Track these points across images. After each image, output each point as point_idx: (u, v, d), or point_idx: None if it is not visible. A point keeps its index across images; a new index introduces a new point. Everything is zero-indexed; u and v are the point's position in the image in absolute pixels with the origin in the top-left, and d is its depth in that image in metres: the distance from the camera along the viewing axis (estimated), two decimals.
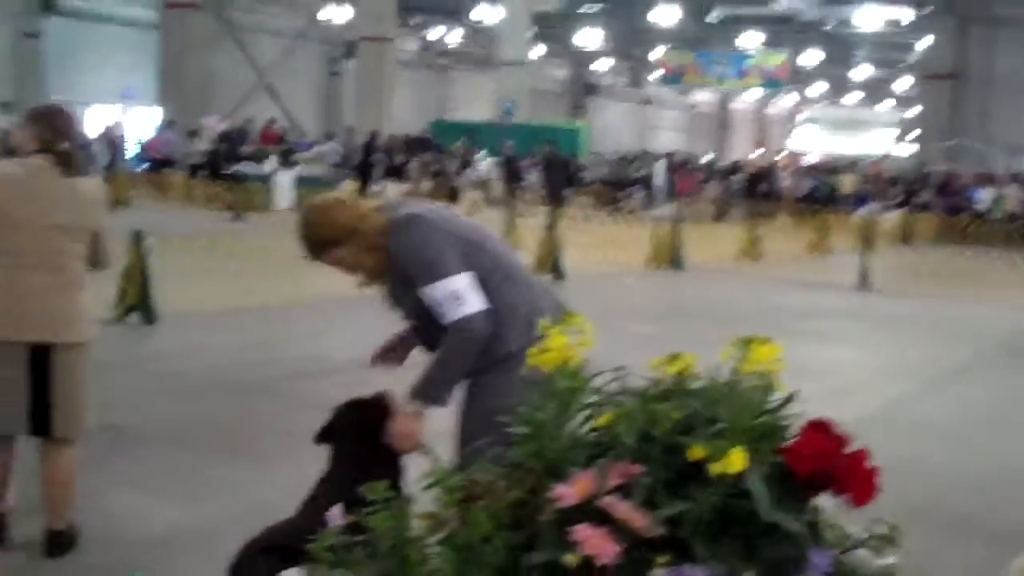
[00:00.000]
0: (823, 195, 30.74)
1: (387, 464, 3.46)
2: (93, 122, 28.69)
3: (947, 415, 8.51)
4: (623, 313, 11.97)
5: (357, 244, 3.74)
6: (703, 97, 61.86)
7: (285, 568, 2.98)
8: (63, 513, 4.82)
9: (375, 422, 3.62)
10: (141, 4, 34.80)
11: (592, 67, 53.84)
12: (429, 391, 3.63)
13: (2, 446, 4.80)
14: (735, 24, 46.19)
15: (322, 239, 3.76)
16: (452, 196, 27.29)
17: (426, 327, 3.78)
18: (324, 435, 3.70)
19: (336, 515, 2.28)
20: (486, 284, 3.71)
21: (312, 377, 8.27)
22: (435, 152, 30.98)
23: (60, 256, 4.61)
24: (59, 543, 4.80)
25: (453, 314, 3.61)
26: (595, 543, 1.85)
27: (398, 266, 3.73)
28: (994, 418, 8.34)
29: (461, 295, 3.62)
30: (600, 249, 18.57)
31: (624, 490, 1.97)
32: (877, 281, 16.33)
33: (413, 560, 2.10)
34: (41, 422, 4.67)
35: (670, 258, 17.71)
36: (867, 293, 15.96)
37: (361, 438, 3.60)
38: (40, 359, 4.61)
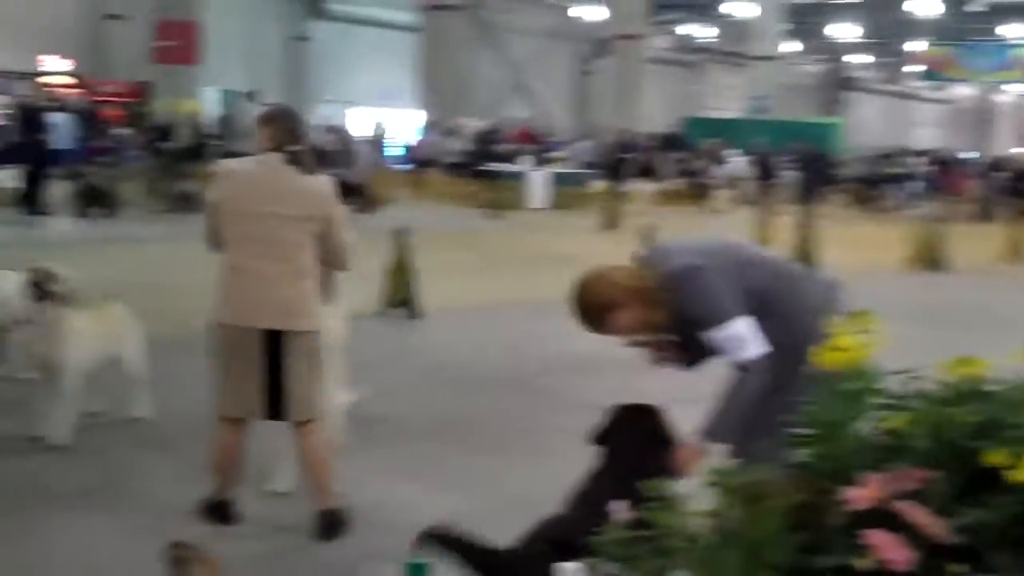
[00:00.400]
0: None
1: (661, 471, 3.51)
2: (355, 122, 29.86)
3: None
4: (883, 315, 11.62)
5: (641, 302, 3.80)
6: (963, 91, 59.35)
7: (560, 560, 3.05)
8: (323, 494, 5.04)
9: (653, 429, 3.71)
10: (401, 7, 35.95)
11: (847, 60, 52.40)
12: (717, 430, 3.73)
13: (238, 428, 5.04)
14: (997, 14, 44.06)
15: (604, 303, 3.82)
16: (702, 195, 27.09)
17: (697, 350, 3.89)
18: (602, 436, 3.78)
19: (620, 510, 2.32)
20: (769, 292, 3.75)
21: (569, 374, 8.38)
22: (686, 150, 30.82)
23: (288, 246, 4.81)
24: (326, 524, 5.01)
25: (738, 356, 3.69)
26: (889, 548, 1.83)
27: (683, 316, 3.80)
28: None
29: (744, 338, 3.68)
30: (856, 248, 18.05)
31: (916, 496, 1.93)
32: None
33: (696, 557, 2.12)
34: (275, 407, 4.91)
35: (931, 258, 17.07)
36: None
37: (639, 442, 3.68)
38: (274, 346, 4.84)
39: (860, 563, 1.86)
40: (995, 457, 1.91)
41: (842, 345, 2.17)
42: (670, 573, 2.12)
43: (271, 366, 4.86)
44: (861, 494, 1.93)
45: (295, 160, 4.85)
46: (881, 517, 1.91)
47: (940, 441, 2.01)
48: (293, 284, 4.83)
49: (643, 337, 3.94)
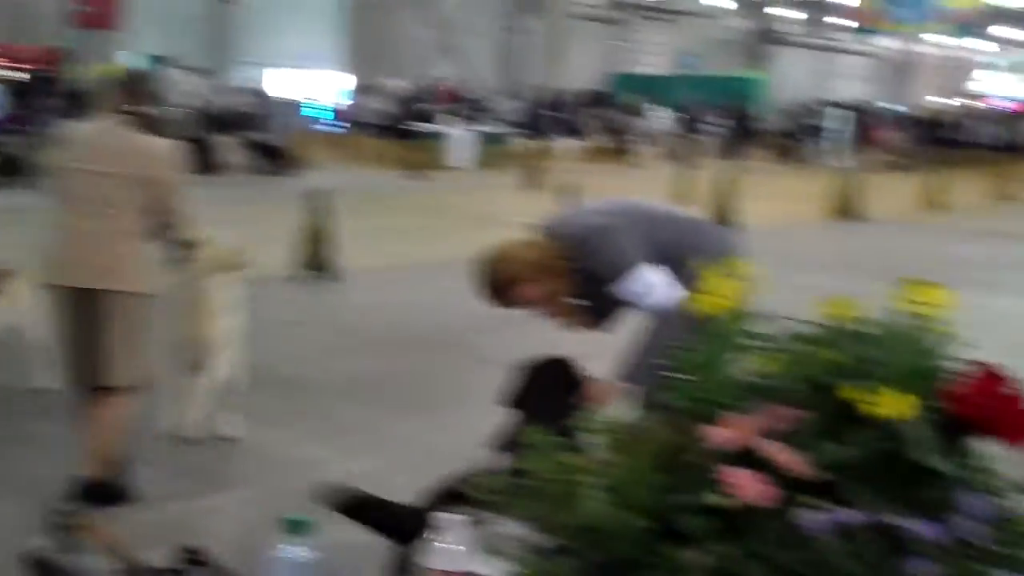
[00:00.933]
0: (1008, 142, 29.55)
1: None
2: (275, 84, 29.55)
3: None
4: (797, 265, 11.75)
5: (546, 273, 3.82)
6: (886, 44, 59.86)
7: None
8: (100, 463, 4.76)
9: (566, 378, 3.74)
10: None
11: (772, 14, 52.62)
12: (629, 372, 3.77)
13: (88, 399, 4.80)
14: None
15: (509, 278, 3.83)
16: (626, 152, 27.17)
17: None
18: (517, 397, 3.80)
19: (500, 460, 2.34)
20: (674, 245, 3.81)
21: (493, 332, 8.38)
22: (613, 107, 30.87)
23: (112, 205, 4.62)
24: (93, 493, 4.66)
25: (650, 302, 3.75)
26: (748, 486, 1.86)
27: (591, 276, 3.82)
28: None
29: (653, 283, 3.73)
30: (778, 201, 18.24)
31: (780, 434, 1.96)
32: None
33: (570, 501, 2.14)
34: (90, 371, 4.69)
35: (849, 209, 17.30)
36: None
37: (554, 394, 3.71)
38: (88, 306, 4.63)
39: (720, 501, 1.89)
40: (855, 394, 1.94)
41: (713, 289, 2.19)
42: (542, 517, 2.14)
43: (86, 329, 4.65)
44: (725, 433, 1.96)
45: (139, 122, 4.72)
46: (746, 456, 1.94)
47: (806, 381, 2.05)
48: (113, 243, 4.62)
49: (551, 307, 3.99)
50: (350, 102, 29.51)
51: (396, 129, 24.87)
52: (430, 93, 29.34)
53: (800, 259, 12.56)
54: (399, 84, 28.94)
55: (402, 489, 3.70)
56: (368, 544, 3.67)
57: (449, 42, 37.14)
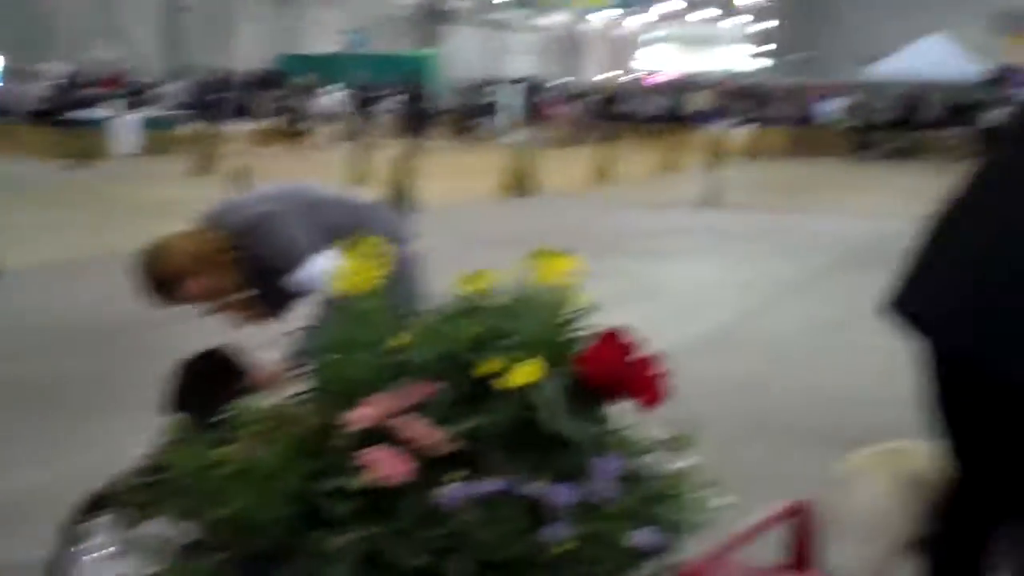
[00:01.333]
0: (673, 113, 31.15)
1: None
2: None
3: (790, 329, 8.66)
4: (473, 242, 11.98)
5: (211, 267, 3.67)
6: (555, 19, 61.83)
7: None
8: None
9: (222, 373, 3.61)
10: None
11: None
12: (298, 359, 3.63)
13: None
14: None
15: (172, 275, 3.66)
16: (300, 133, 26.90)
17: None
18: (174, 397, 3.64)
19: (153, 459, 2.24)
20: (343, 228, 3.73)
21: (168, 324, 8.09)
22: (284, 88, 30.47)
23: None
24: None
25: (320, 288, 3.63)
26: (385, 464, 1.84)
27: (262, 267, 3.70)
28: (836, 329, 8.50)
29: (328, 271, 3.64)
30: (454, 179, 18.52)
31: (418, 409, 1.96)
32: (726, 197, 16.62)
33: (217, 495, 2.07)
34: None
35: (523, 184, 17.76)
36: (716, 210, 16.24)
37: (205, 391, 3.57)
38: None
39: (360, 482, 1.87)
40: (490, 365, 1.96)
41: (352, 269, 2.17)
42: (190, 513, 2.07)
43: None
44: (364, 414, 1.94)
45: None
46: (384, 434, 1.93)
47: (442, 355, 2.05)
48: None
49: (220, 302, 3.84)
50: (0, 87, 27.83)
51: (53, 116, 23.65)
52: (91, 77, 28.06)
53: (475, 236, 12.80)
54: (56, 67, 27.51)
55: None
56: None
57: (110, 23, 35.64)
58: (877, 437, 3.59)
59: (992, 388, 2.89)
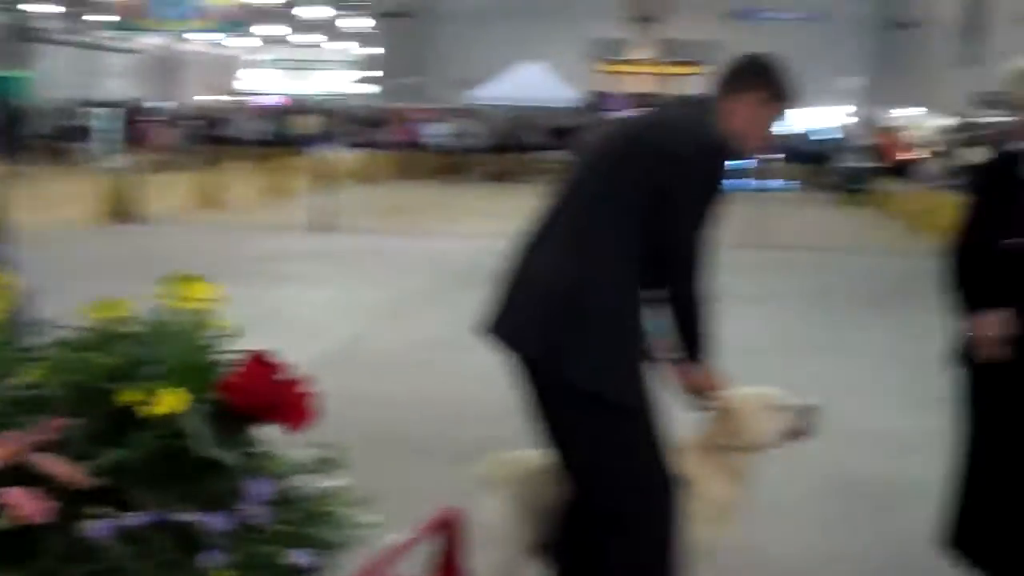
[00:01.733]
0: (279, 137, 31.04)
1: None
2: None
3: (406, 345, 8.87)
4: (73, 272, 11.43)
5: None
6: (152, 41, 59.93)
7: None
8: None
9: None
10: None
11: (28, 11, 50.54)
12: None
13: None
14: None
15: None
16: None
17: None
18: None
19: None
20: None
21: None
22: None
23: None
24: None
25: None
26: (23, 504, 1.76)
27: None
28: (450, 344, 8.74)
29: None
30: (48, 207, 17.57)
31: (55, 446, 1.88)
32: (337, 220, 16.72)
33: None
34: None
35: (124, 210, 17.16)
36: (327, 233, 16.31)
37: None
38: None
39: (1, 524, 1.78)
40: (130, 396, 1.91)
41: None
42: None
43: None
44: None
45: None
46: (20, 473, 1.84)
47: (78, 387, 1.98)
48: None
49: None
50: None
51: None
52: None
53: (76, 265, 12.23)
54: None
55: None
56: None
57: None
58: (491, 448, 3.76)
59: (559, 392, 3.21)
